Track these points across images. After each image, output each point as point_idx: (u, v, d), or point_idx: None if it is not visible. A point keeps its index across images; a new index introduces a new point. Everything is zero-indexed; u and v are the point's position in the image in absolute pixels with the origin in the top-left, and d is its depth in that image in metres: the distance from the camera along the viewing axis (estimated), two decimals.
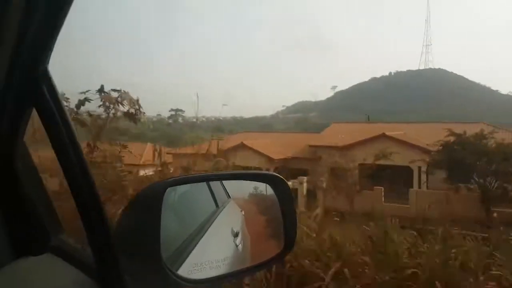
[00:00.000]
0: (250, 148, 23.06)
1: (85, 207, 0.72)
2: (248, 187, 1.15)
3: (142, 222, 0.80)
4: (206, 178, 1.04)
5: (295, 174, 19.21)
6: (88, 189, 0.72)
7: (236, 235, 1.12)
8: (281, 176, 1.02)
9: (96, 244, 0.75)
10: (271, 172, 1.08)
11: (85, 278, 0.80)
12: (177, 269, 0.85)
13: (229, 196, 1.23)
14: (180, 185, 0.92)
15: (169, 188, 0.84)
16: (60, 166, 0.71)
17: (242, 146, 21.55)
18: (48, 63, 0.68)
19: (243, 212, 1.21)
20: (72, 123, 0.71)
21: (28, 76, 0.69)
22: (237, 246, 1.10)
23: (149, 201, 0.81)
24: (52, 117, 0.69)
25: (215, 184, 1.18)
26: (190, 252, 0.94)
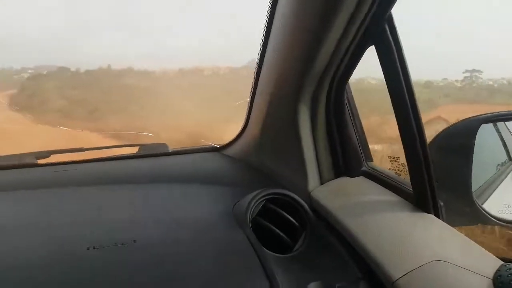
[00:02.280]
0: None
1: (409, 135, 0.77)
2: None
3: (455, 155, 0.85)
4: None
5: None
6: (416, 121, 0.76)
7: None
8: None
9: (414, 169, 0.78)
10: None
11: (400, 199, 0.85)
12: (482, 204, 0.86)
13: None
14: (495, 122, 0.89)
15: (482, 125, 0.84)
16: (391, 100, 0.78)
17: None
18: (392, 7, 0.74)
19: None
20: (408, 64, 0.75)
21: (374, 16, 0.77)
22: None
23: (463, 136, 0.85)
24: (391, 57, 0.76)
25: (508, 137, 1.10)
26: (492, 192, 0.91)
